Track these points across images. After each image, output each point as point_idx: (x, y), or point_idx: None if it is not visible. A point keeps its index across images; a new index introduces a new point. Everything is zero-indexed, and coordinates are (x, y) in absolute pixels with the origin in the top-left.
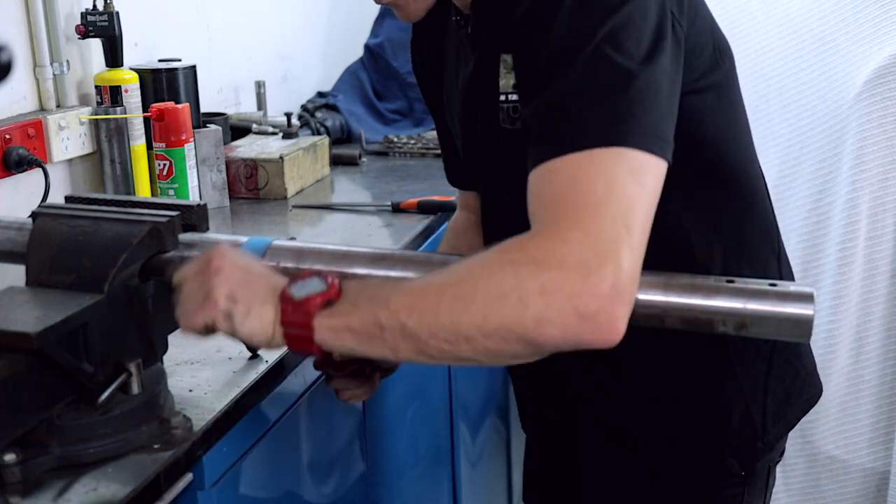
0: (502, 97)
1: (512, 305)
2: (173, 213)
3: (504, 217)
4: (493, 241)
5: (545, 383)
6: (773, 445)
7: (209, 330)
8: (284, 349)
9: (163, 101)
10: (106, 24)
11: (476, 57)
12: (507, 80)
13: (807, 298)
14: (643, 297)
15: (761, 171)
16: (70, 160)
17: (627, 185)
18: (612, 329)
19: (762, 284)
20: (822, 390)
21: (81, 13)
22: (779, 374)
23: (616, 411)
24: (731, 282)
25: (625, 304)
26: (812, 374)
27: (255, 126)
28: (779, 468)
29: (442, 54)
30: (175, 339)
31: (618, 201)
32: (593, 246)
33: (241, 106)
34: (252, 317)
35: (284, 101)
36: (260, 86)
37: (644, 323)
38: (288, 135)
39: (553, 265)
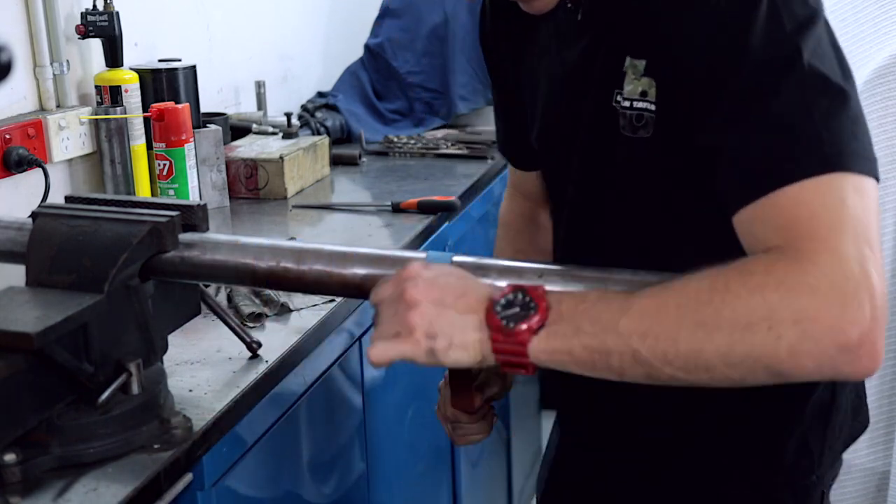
0: (626, 103)
1: (763, 335)
2: (173, 213)
3: (600, 223)
4: (577, 244)
5: (594, 403)
6: (824, 478)
7: None
8: (284, 351)
9: (163, 101)
10: (106, 24)
11: (585, 48)
12: (634, 87)
13: None
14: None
15: None
16: (70, 160)
17: (857, 206)
18: (874, 359)
19: None
20: (868, 420)
21: (81, 13)
22: (841, 407)
23: (672, 429)
24: None
25: (882, 330)
26: (865, 403)
27: (255, 126)
28: None
29: (525, 27)
30: (175, 339)
31: (855, 222)
32: (844, 269)
33: (241, 106)
34: (455, 348)
35: (284, 101)
36: (260, 86)
37: None
38: (288, 135)
39: (805, 291)
